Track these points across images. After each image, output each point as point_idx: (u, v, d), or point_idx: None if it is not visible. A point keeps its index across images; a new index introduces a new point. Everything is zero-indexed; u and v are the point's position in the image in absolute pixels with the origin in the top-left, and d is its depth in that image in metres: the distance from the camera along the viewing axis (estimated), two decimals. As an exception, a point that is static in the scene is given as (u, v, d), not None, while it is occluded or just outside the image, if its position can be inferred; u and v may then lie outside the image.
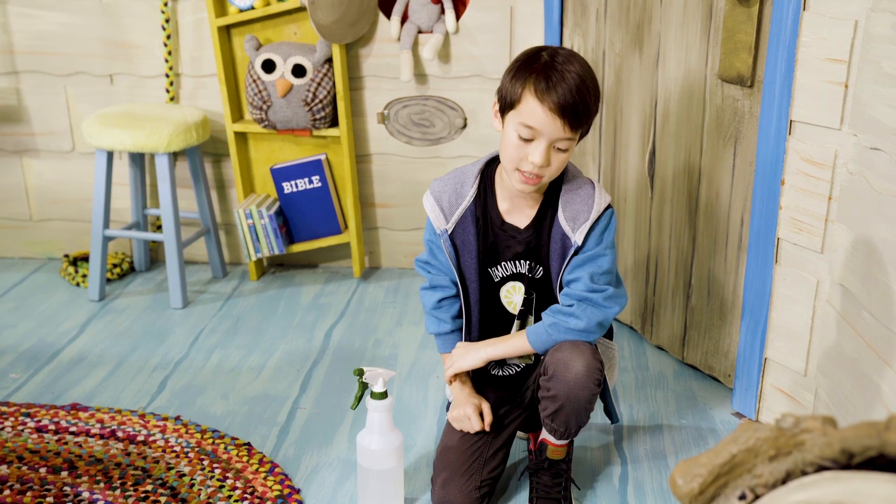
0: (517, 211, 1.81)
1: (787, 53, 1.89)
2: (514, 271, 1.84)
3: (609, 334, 1.93)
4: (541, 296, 1.85)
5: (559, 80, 1.64)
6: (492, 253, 1.83)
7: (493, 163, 1.84)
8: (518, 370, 1.94)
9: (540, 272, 1.83)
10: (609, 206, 1.77)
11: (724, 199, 2.19)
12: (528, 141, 1.67)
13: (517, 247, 1.81)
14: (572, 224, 1.75)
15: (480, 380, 1.97)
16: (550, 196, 1.79)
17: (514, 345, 1.82)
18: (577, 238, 1.74)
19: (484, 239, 1.82)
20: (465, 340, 1.91)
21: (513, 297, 1.86)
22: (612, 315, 1.77)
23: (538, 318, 1.84)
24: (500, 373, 1.95)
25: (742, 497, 0.85)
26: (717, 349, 2.32)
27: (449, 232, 1.81)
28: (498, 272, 1.85)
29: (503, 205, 1.81)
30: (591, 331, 1.75)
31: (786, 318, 2.05)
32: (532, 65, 1.67)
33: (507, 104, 1.70)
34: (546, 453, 1.85)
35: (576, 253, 1.75)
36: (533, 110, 1.64)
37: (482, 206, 1.82)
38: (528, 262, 1.82)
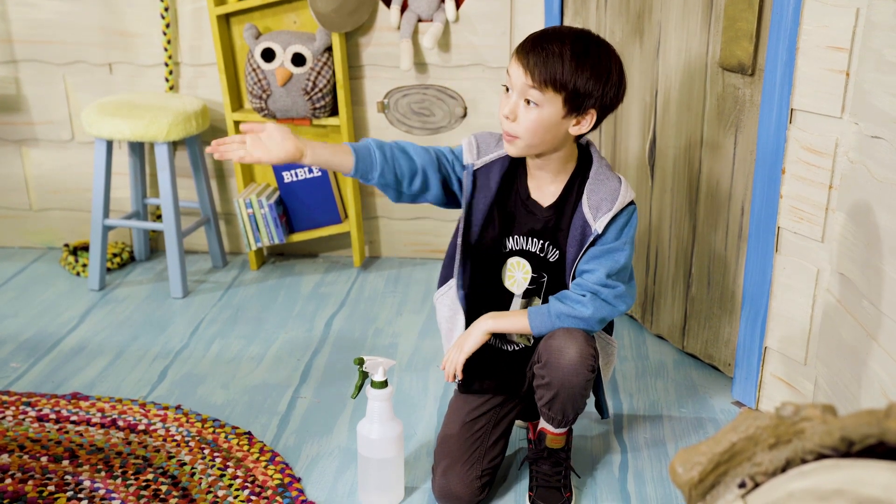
0: (542, 188, 1.80)
1: (789, 41, 1.88)
2: (524, 247, 1.82)
3: (609, 329, 1.91)
4: (552, 279, 1.84)
5: (538, 37, 1.67)
6: (508, 223, 1.82)
7: None
8: (527, 345, 1.90)
9: (556, 255, 1.81)
10: (632, 203, 1.77)
11: (724, 188, 2.19)
12: (508, 95, 1.70)
13: (534, 223, 1.79)
14: (595, 213, 1.74)
15: (483, 354, 1.91)
16: (575, 180, 1.79)
17: (513, 321, 1.80)
18: (597, 226, 1.73)
19: (505, 201, 1.80)
20: (456, 297, 1.86)
21: (515, 272, 1.84)
22: (617, 313, 1.76)
23: (545, 302, 1.84)
24: (508, 348, 1.91)
25: (742, 485, 0.85)
26: (717, 338, 2.32)
27: (475, 167, 1.79)
28: (508, 244, 1.83)
29: (531, 182, 1.81)
30: (593, 323, 1.75)
31: (786, 307, 2.05)
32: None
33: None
34: (545, 442, 1.84)
35: (594, 242, 1.75)
36: (511, 64, 1.69)
37: (513, 173, 1.81)
38: (541, 241, 1.81)
